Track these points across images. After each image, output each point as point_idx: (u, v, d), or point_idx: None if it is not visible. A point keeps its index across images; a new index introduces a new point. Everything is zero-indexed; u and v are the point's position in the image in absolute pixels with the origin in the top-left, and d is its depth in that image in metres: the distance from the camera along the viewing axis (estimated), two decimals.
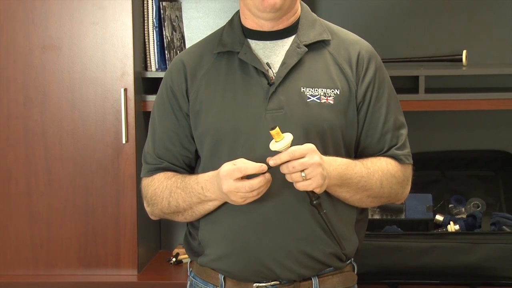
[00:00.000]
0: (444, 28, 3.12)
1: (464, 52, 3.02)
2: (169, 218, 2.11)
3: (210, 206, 2.00)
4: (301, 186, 1.89)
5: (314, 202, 1.92)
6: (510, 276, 2.68)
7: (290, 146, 1.87)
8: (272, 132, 1.87)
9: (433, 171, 3.11)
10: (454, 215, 2.99)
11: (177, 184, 2.04)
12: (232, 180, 1.87)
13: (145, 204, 2.14)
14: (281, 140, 1.87)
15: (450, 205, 3.05)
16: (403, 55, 3.09)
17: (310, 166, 1.86)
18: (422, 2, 3.13)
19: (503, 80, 3.04)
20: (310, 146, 1.89)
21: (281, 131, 1.87)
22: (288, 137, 1.88)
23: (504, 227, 2.79)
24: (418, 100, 2.84)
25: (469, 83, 3.04)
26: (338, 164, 1.96)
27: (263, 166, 1.86)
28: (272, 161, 1.87)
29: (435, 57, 3.06)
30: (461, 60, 3.02)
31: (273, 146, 1.88)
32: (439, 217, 2.92)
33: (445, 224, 2.87)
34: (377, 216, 3.02)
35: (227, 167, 1.89)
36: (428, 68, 2.93)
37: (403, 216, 3.00)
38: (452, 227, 2.83)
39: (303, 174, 1.87)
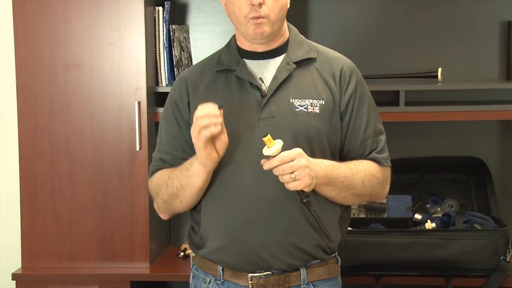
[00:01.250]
0: (422, 48, 3.12)
1: (440, 69, 3.01)
2: (170, 207, 2.08)
3: (196, 180, 1.97)
4: (292, 186, 1.90)
5: (304, 200, 1.92)
6: (480, 268, 2.68)
7: (281, 151, 1.88)
8: (265, 139, 1.88)
9: (413, 175, 3.09)
10: (431, 214, 2.98)
11: (176, 168, 2.04)
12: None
13: (154, 202, 2.13)
14: (272, 146, 1.88)
15: (428, 205, 3.04)
16: (386, 72, 3.08)
17: (299, 169, 1.88)
18: (403, 25, 3.13)
19: (474, 94, 3.03)
20: (298, 151, 1.90)
21: (272, 137, 1.88)
22: (279, 143, 1.88)
23: (475, 225, 2.78)
24: (398, 112, 2.84)
25: (444, 97, 3.04)
26: (325, 165, 1.97)
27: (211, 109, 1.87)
28: (266, 166, 1.89)
29: (414, 74, 3.05)
30: (437, 76, 3.01)
31: (265, 151, 1.89)
32: (417, 216, 2.91)
33: (423, 222, 2.87)
34: (362, 215, 3.02)
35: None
36: (407, 83, 2.92)
37: (385, 215, 3.00)
38: (429, 224, 2.82)
39: (292, 175, 1.88)
